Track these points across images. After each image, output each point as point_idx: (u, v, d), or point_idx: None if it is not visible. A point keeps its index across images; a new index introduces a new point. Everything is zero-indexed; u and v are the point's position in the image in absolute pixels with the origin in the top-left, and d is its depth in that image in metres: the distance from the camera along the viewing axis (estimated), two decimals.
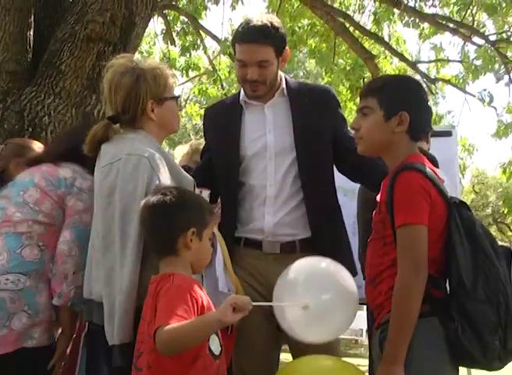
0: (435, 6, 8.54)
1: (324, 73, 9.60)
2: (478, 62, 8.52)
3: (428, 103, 2.44)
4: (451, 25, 8.17)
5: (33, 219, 2.67)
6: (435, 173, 2.30)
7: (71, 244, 2.64)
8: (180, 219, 2.26)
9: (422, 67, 9.61)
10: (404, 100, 2.36)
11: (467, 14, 8.22)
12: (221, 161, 2.97)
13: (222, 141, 2.97)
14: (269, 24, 2.81)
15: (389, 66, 9.51)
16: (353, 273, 2.81)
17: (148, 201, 2.29)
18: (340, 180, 3.08)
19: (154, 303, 2.15)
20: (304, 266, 2.33)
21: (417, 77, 8.80)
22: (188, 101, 11.81)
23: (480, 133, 35.25)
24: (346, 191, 4.04)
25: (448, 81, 9.39)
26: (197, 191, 2.61)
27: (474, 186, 23.28)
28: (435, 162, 2.97)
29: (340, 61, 9.11)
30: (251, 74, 2.81)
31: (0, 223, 2.70)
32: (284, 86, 2.95)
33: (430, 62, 10.20)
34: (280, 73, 2.97)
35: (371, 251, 2.36)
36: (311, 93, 2.97)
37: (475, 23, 8.55)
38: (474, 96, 9.00)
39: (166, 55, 9.47)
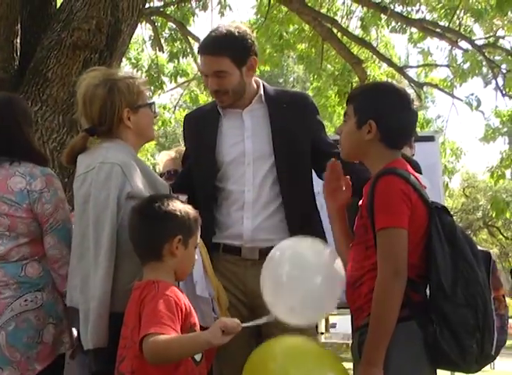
0: (422, 12, 8.58)
1: (312, 78, 9.63)
2: (466, 66, 8.56)
3: (410, 109, 2.38)
4: (438, 30, 8.20)
5: (16, 245, 2.64)
6: (417, 179, 2.31)
7: (58, 246, 2.66)
8: (168, 226, 2.28)
9: (411, 72, 9.65)
10: (375, 108, 2.34)
11: (454, 18, 8.24)
12: (199, 166, 2.99)
13: (199, 146, 2.99)
14: (228, 34, 2.83)
15: (378, 70, 9.53)
16: None
17: (138, 206, 2.32)
18: (322, 184, 3.07)
19: (138, 309, 2.16)
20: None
21: (405, 82, 8.84)
22: (177, 108, 11.80)
23: (469, 137, 35.39)
24: None
25: (435, 86, 9.41)
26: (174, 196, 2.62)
27: (464, 189, 23.37)
28: (418, 168, 2.99)
29: (328, 66, 9.14)
30: (211, 84, 2.86)
31: None
32: (262, 92, 2.96)
33: (418, 66, 10.24)
34: (257, 79, 2.99)
35: (353, 256, 2.36)
36: (289, 99, 2.99)
37: (462, 27, 8.59)
38: (461, 100, 9.04)
39: (154, 62, 9.46)
